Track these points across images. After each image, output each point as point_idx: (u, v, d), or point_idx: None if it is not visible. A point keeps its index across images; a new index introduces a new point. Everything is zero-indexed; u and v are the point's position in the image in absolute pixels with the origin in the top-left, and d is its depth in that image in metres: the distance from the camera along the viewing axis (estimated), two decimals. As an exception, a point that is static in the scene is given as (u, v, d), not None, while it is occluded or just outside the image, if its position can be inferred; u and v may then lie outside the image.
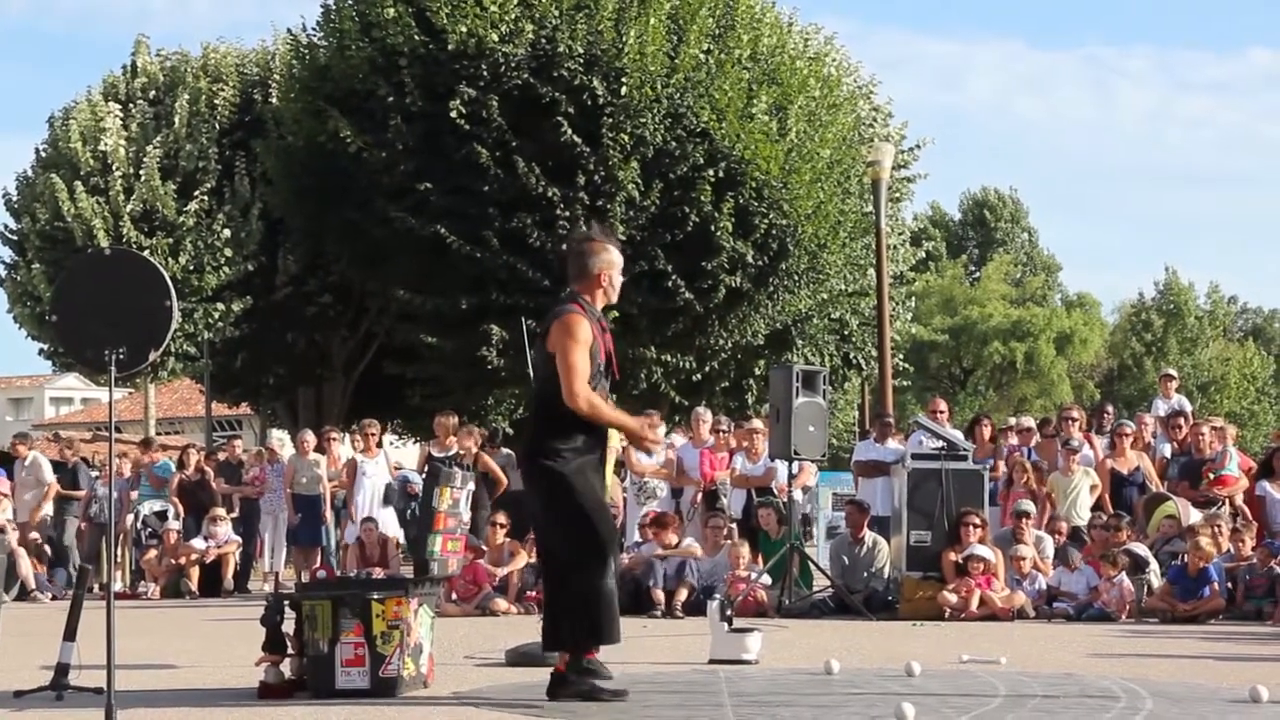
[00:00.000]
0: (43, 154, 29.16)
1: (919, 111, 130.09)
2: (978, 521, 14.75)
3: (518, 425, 30.41)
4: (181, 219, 27.47)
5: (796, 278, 26.75)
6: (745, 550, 15.48)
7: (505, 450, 18.72)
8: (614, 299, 8.46)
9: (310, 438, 20.29)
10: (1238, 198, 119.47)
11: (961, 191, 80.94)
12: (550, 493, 8.14)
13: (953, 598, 14.45)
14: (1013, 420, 19.40)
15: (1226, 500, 16.39)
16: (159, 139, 27.79)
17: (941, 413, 17.84)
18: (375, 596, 8.49)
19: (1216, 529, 15.21)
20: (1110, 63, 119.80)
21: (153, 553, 19.33)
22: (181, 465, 20.91)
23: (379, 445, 19.88)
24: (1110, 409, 19.74)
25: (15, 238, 28.92)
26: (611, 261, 8.34)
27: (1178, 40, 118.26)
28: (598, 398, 8.11)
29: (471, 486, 10.81)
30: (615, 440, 17.64)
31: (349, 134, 25.26)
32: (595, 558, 8.09)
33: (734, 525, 16.49)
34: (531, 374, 8.40)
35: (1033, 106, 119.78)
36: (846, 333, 30.45)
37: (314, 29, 27.60)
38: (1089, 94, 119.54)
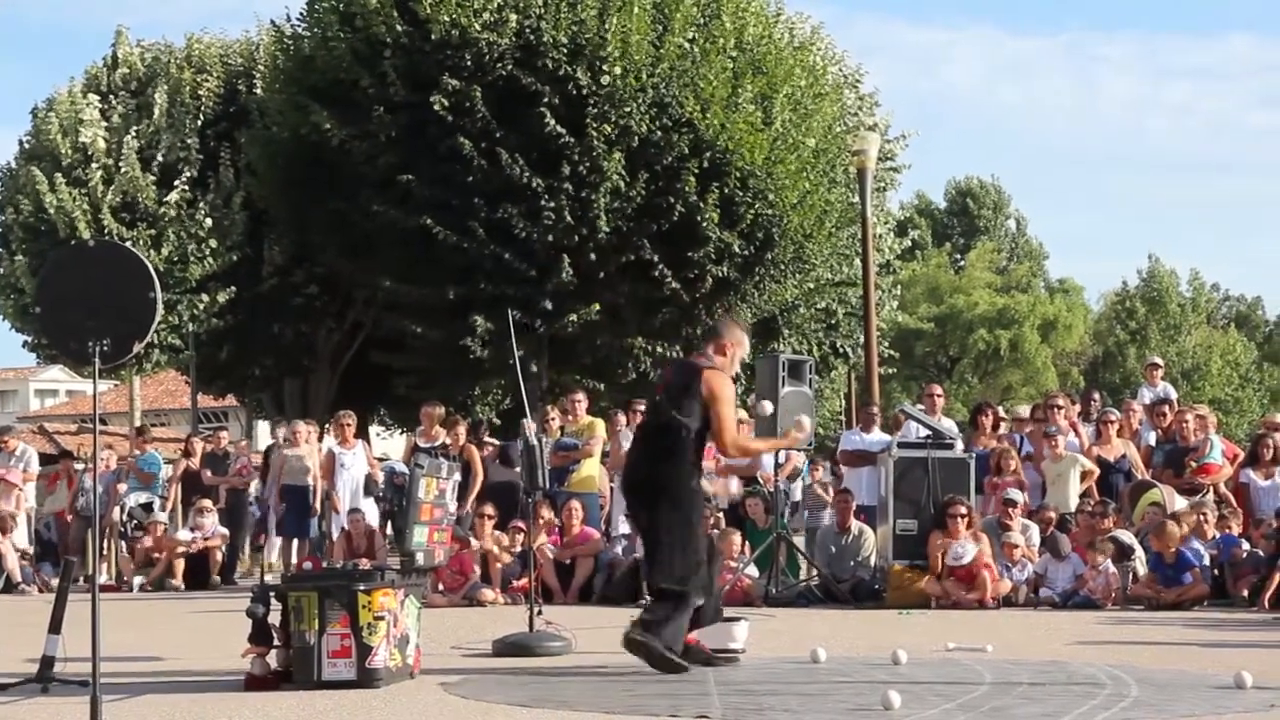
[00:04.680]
0: (25, 146, 29.08)
1: (899, 100, 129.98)
2: (964, 510, 14.76)
3: (504, 416, 30.45)
4: (162, 209, 27.41)
5: (782, 267, 26.75)
6: (737, 539, 15.49)
7: (495, 441, 18.70)
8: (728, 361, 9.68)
9: (301, 428, 20.25)
10: (1220, 185, 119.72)
11: (947, 179, 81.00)
12: (672, 512, 9.31)
13: (937, 587, 14.47)
14: (1000, 410, 19.43)
15: (1211, 488, 16.44)
16: (137, 129, 27.72)
17: (939, 397, 17.87)
18: (361, 588, 8.49)
19: (1202, 516, 15.26)
20: (1092, 49, 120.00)
21: (147, 541, 19.30)
22: (187, 454, 20.99)
23: (357, 436, 19.85)
24: (1097, 396, 19.79)
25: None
26: (740, 340, 9.79)
27: (1159, 26, 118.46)
28: (743, 439, 10.06)
29: (458, 477, 10.82)
30: (600, 431, 17.74)
31: (330, 126, 25.22)
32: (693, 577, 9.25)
33: (721, 514, 16.50)
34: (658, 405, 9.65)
35: (1014, 94, 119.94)
36: (833, 322, 30.50)
37: (298, 20, 27.55)
38: (1070, 81, 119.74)
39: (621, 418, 18.24)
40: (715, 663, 9.45)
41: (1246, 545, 15.10)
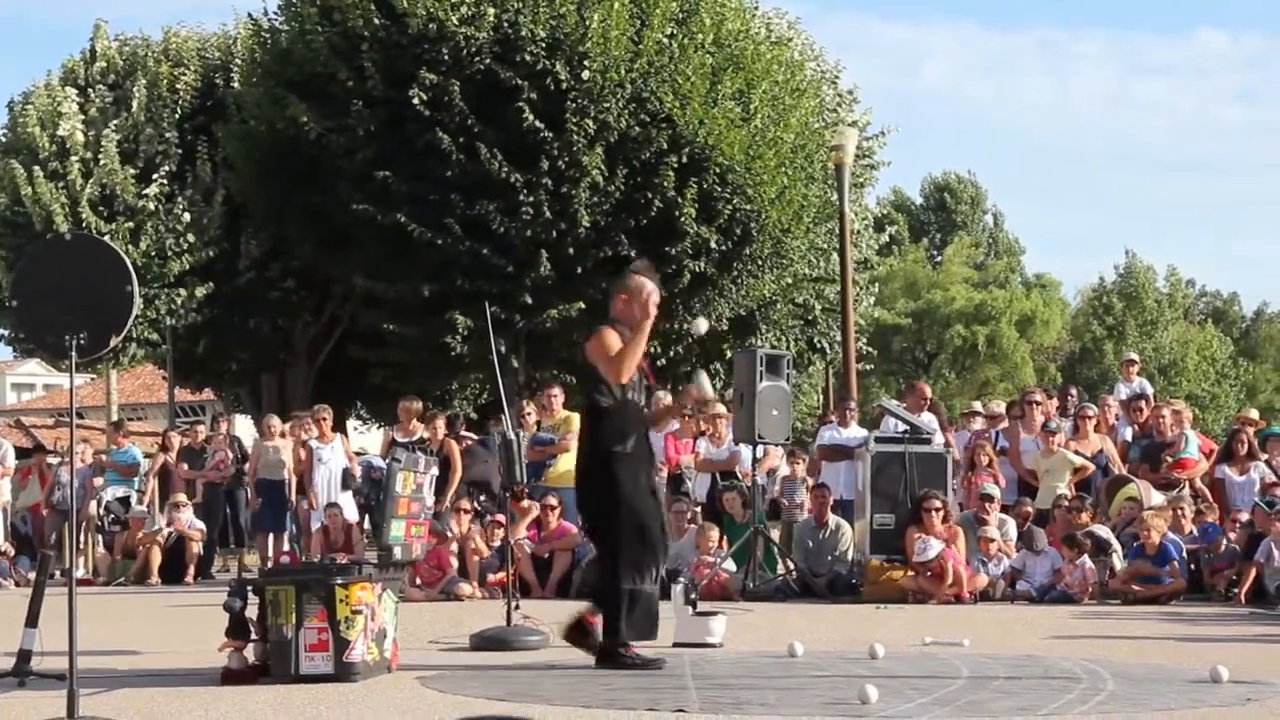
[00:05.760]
0: (2, 139, 28.98)
1: (873, 96, 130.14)
2: (939, 504, 14.79)
3: (481, 410, 30.40)
4: (141, 203, 27.33)
5: (760, 263, 26.77)
6: (714, 534, 15.49)
7: (472, 436, 18.68)
8: (641, 317, 9.25)
9: (275, 423, 20.24)
10: (1194, 182, 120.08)
11: (923, 175, 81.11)
12: (606, 493, 9.05)
13: (913, 582, 14.50)
14: (977, 405, 19.47)
15: (1187, 483, 16.50)
16: (116, 123, 27.65)
17: (926, 398, 17.89)
18: (339, 582, 8.48)
19: (1179, 511, 15.32)
20: (1064, 46, 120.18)
21: (125, 537, 19.28)
22: (164, 449, 20.94)
23: (334, 430, 19.82)
24: (1074, 392, 19.85)
25: (-24, 223, 28.74)
26: (633, 287, 9.29)
27: (1128, 23, 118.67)
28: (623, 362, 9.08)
29: (435, 471, 10.82)
30: (576, 425, 17.72)
31: (307, 120, 25.17)
32: (640, 563, 9.00)
33: (698, 509, 16.51)
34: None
35: (987, 90, 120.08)
36: (810, 317, 30.52)
37: (275, 13, 27.50)
38: (1044, 78, 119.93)
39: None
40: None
41: (1224, 537, 15.14)
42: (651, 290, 9.30)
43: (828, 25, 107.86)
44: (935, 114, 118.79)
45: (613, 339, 9.12)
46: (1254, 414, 19.90)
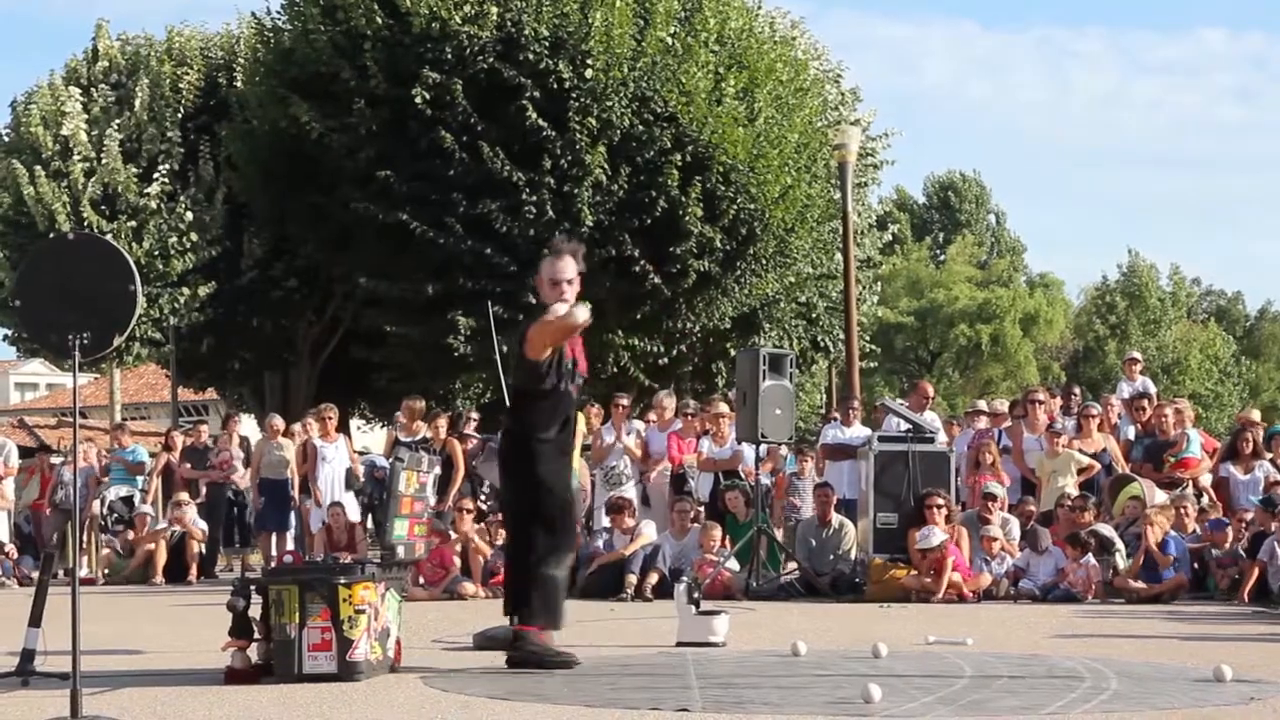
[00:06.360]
0: (5, 138, 28.99)
1: (873, 94, 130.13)
2: (940, 503, 14.79)
3: (485, 410, 30.40)
4: (143, 202, 27.34)
5: (764, 262, 26.77)
6: (717, 533, 15.49)
7: (477, 435, 18.68)
8: (554, 301, 8.98)
9: (278, 422, 20.24)
10: (1195, 181, 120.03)
11: (926, 174, 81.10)
12: (521, 476, 8.95)
13: (915, 580, 14.49)
14: (981, 404, 19.47)
15: (1190, 481, 16.49)
16: (119, 122, 27.66)
17: (929, 397, 17.92)
18: (342, 581, 8.48)
19: (1182, 510, 15.31)
20: (1063, 44, 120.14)
21: (130, 534, 19.28)
22: (168, 448, 20.94)
23: (338, 430, 19.82)
24: (1077, 391, 19.84)
25: (-22, 223, 28.75)
26: (546, 273, 9.03)
27: (1129, 21, 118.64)
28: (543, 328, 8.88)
29: (438, 471, 10.81)
30: (581, 425, 17.73)
31: (310, 119, 25.17)
32: (552, 544, 8.91)
33: (701, 508, 16.51)
34: (501, 367, 9.12)
35: (987, 89, 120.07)
36: (813, 316, 30.51)
37: (278, 12, 27.52)
38: (1043, 77, 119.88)
39: (598, 410, 18.32)
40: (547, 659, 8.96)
41: (1231, 532, 15.12)
42: (550, 269, 9.04)
43: (827, 24, 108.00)
44: (935, 112, 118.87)
45: (536, 324, 8.98)
46: (1255, 415, 19.88)
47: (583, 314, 8.75)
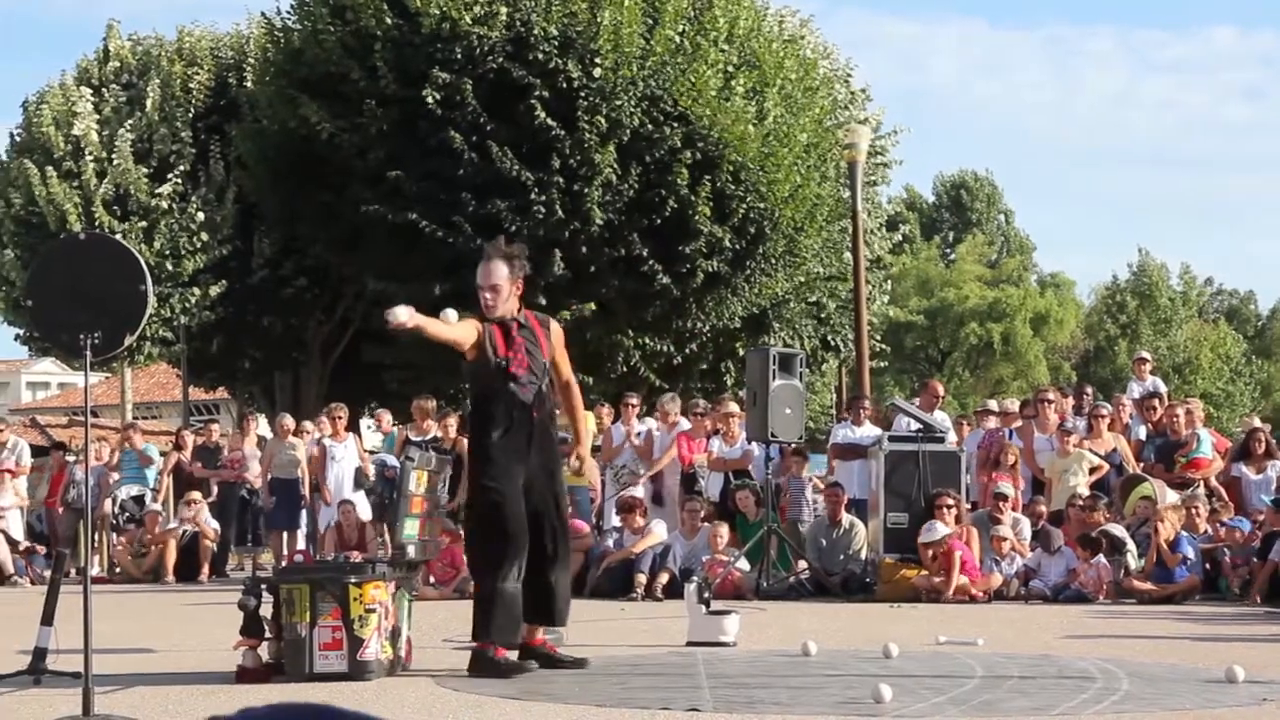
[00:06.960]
0: (17, 139, 29.04)
1: (882, 93, 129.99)
2: (951, 503, 14.78)
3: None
4: (155, 202, 27.38)
5: (774, 261, 26.74)
6: (725, 531, 15.49)
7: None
8: (489, 307, 8.85)
9: (288, 421, 20.27)
10: (1205, 180, 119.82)
11: (935, 174, 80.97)
12: (471, 479, 9.02)
13: (924, 581, 14.48)
14: (992, 403, 19.46)
15: (1201, 481, 16.47)
16: (130, 122, 27.70)
17: (940, 396, 17.92)
18: (353, 580, 8.49)
19: (1194, 510, 15.29)
20: (1072, 43, 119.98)
21: (141, 532, 19.32)
22: (178, 447, 20.98)
23: (348, 429, 19.84)
24: (1089, 390, 19.82)
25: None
26: (479, 282, 8.85)
27: (1138, 20, 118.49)
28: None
29: (449, 470, 10.81)
30: (591, 424, 17.74)
31: (320, 119, 25.18)
32: (500, 552, 8.66)
33: (711, 508, 16.50)
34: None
35: (995, 88, 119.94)
36: (824, 315, 30.48)
37: (288, 12, 27.53)
38: (1052, 76, 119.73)
39: (608, 409, 18.35)
40: (560, 662, 8.98)
41: (1246, 527, 15.09)
42: (478, 274, 8.87)
43: (836, 22, 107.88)
44: (942, 111, 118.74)
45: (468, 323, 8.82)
46: (1256, 422, 19.77)
47: (399, 315, 8.26)
